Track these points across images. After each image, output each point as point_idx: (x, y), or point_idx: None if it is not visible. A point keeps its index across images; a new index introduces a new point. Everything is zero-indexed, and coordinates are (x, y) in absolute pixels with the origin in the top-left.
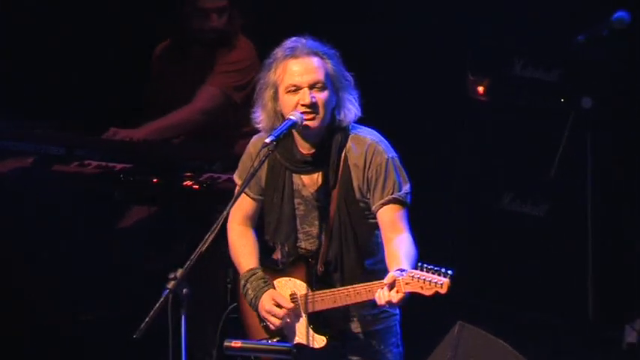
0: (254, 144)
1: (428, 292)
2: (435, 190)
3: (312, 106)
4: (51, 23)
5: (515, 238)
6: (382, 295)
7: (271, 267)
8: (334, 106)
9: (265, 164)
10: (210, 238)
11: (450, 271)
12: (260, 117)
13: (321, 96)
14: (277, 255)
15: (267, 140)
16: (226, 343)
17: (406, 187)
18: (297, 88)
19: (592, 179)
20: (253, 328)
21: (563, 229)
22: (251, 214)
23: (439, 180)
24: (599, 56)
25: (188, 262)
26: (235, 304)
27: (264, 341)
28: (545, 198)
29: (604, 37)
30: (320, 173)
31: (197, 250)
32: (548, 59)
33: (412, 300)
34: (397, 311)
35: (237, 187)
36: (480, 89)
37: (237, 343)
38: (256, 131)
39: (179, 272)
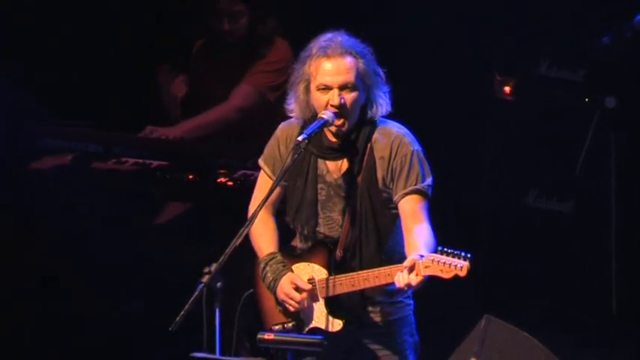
0: (282, 129)
1: (447, 275)
2: (462, 187)
3: (341, 107)
4: (90, 24)
5: (540, 234)
6: (402, 277)
7: (290, 252)
8: (364, 103)
9: (290, 148)
10: (244, 233)
11: (469, 255)
12: (293, 106)
13: (350, 97)
14: (296, 242)
15: (300, 138)
16: (259, 336)
17: (429, 180)
18: (327, 88)
19: (616, 176)
20: (270, 312)
21: (587, 225)
22: (273, 199)
23: (466, 177)
24: (622, 57)
25: (222, 257)
26: (251, 290)
27: (296, 334)
28: (570, 195)
29: (628, 39)
30: (345, 160)
31: (231, 244)
32: (573, 60)
33: (439, 293)
34: (411, 301)
35: (261, 172)
36: (507, 89)
37: (269, 336)
38: None
39: (213, 266)
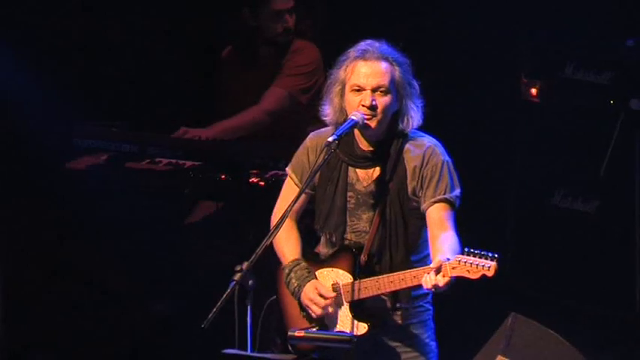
0: (311, 139)
1: (474, 276)
2: (489, 188)
3: (372, 109)
4: (124, 25)
5: (565, 233)
6: (429, 279)
7: (313, 259)
8: (396, 111)
9: (321, 157)
10: (276, 233)
11: (496, 255)
12: (327, 110)
13: (382, 100)
14: (319, 248)
15: (330, 139)
16: (290, 333)
17: (457, 191)
18: (360, 89)
19: None
20: (293, 318)
21: (612, 225)
22: (298, 207)
23: (493, 178)
24: None
25: (254, 256)
26: (274, 297)
27: (326, 331)
28: (595, 195)
29: None
30: (376, 168)
31: (262, 243)
32: (598, 62)
33: (465, 292)
34: (431, 307)
35: (288, 178)
36: (533, 91)
37: (300, 333)
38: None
39: (245, 265)
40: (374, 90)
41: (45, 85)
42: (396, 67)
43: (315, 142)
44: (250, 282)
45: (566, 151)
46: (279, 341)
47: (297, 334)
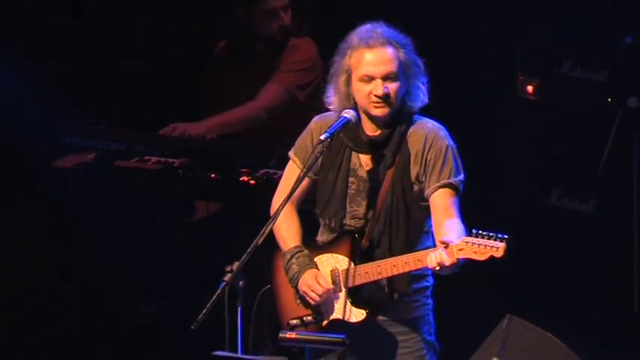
0: (316, 122)
1: (482, 257)
2: (485, 187)
3: (385, 97)
4: (115, 20)
5: (562, 234)
6: (434, 256)
7: (312, 245)
8: (405, 93)
9: (317, 149)
10: (267, 232)
11: (506, 235)
12: (332, 98)
13: (393, 86)
14: (320, 237)
15: (322, 137)
16: (281, 335)
17: (461, 176)
18: (370, 79)
19: (638, 176)
20: (287, 306)
21: (609, 225)
22: (299, 194)
23: (489, 177)
24: None
25: (244, 255)
26: (269, 286)
27: (318, 332)
28: (592, 195)
29: None
30: (381, 153)
31: (253, 243)
32: (595, 60)
33: (461, 293)
34: (430, 301)
35: (291, 162)
36: (530, 89)
37: (291, 335)
38: None
39: (235, 265)
40: (384, 78)
41: (32, 82)
42: (401, 50)
43: (320, 125)
44: (241, 282)
45: (562, 150)
46: (271, 344)
47: (288, 335)
